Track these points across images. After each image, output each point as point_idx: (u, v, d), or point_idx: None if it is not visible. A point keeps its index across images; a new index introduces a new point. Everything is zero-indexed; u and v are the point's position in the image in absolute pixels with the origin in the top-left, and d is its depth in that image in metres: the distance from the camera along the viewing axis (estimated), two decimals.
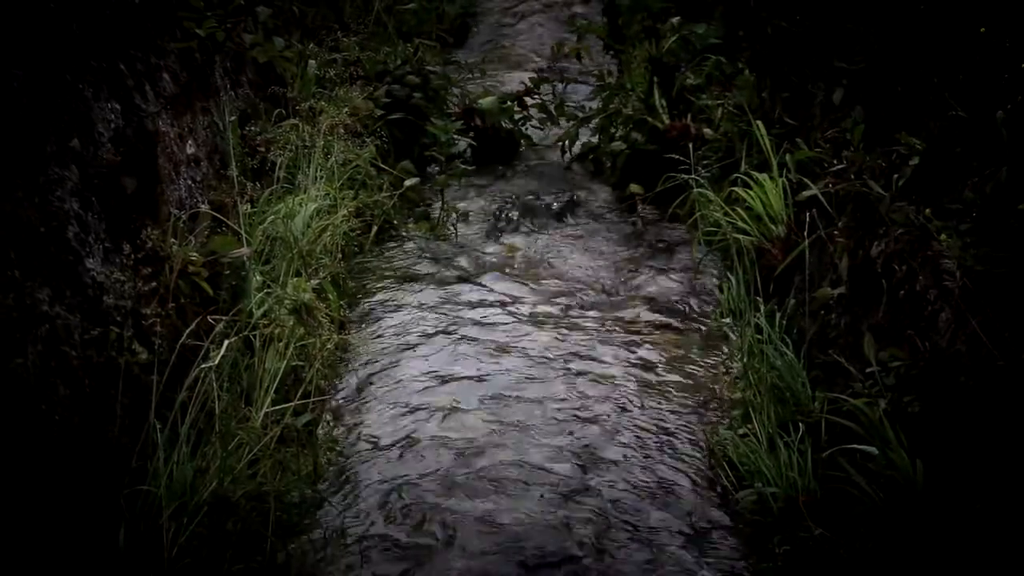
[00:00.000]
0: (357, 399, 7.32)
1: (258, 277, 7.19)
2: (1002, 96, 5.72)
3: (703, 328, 8.12)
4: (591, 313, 8.31)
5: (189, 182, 7.29)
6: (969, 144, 5.89)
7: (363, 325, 8.21)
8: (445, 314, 8.29)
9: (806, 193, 7.53)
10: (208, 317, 6.56)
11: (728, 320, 7.96)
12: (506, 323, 8.17)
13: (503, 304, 8.45)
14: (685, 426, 7.03)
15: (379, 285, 8.73)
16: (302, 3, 10.57)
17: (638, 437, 6.91)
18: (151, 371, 5.84)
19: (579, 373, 7.55)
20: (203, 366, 6.09)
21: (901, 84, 6.81)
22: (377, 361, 7.70)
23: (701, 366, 7.65)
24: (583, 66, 11.99)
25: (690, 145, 9.19)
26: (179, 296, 6.44)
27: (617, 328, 8.11)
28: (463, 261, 9.13)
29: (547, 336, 8.00)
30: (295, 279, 7.58)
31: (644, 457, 6.74)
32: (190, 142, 7.48)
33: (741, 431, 6.63)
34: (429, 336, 8.00)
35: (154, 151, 6.66)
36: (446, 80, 11.34)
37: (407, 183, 9.68)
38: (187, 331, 6.19)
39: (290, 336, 6.99)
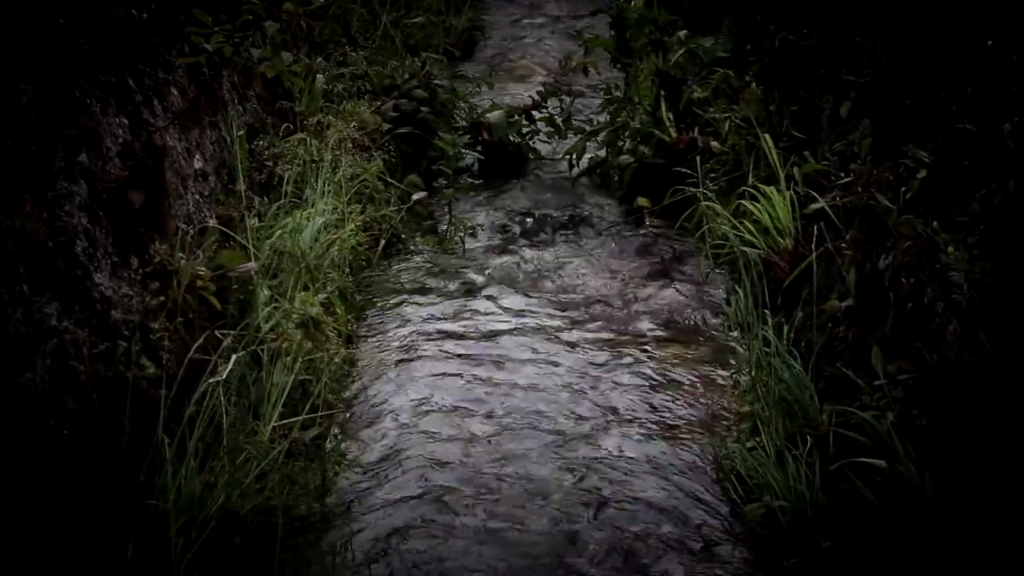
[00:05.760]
0: (365, 412, 7.32)
1: (266, 291, 7.19)
2: (1010, 109, 5.71)
3: (711, 341, 8.12)
4: (599, 326, 8.31)
5: (197, 196, 7.30)
6: (977, 157, 5.89)
7: (371, 338, 8.21)
8: (452, 327, 8.29)
9: (814, 206, 7.54)
10: (216, 331, 6.57)
11: (736, 333, 7.97)
12: (513, 336, 8.18)
13: (510, 317, 8.45)
14: (693, 439, 7.02)
15: (387, 299, 8.73)
16: (310, 17, 10.58)
17: (646, 450, 6.91)
18: (159, 385, 5.85)
19: (586, 385, 7.55)
20: (211, 380, 6.10)
21: (909, 97, 6.81)
22: (385, 374, 7.70)
23: (709, 379, 7.64)
24: (590, 80, 11.99)
25: (697, 158, 9.20)
26: (187, 310, 6.45)
27: (624, 341, 8.11)
28: (471, 274, 9.13)
29: (555, 349, 8.00)
30: (303, 293, 7.59)
31: (652, 470, 6.74)
32: (198, 156, 7.50)
33: (749, 444, 6.63)
34: (436, 349, 8.00)
35: (162, 166, 6.66)
36: (453, 94, 11.33)
37: (415, 197, 9.68)
38: (195, 345, 6.21)
39: (298, 350, 6.99)
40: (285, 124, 9.26)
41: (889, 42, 7.13)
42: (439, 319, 8.42)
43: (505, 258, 9.42)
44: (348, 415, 7.29)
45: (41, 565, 4.94)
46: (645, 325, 8.32)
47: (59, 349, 5.28)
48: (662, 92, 10.40)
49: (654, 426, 7.14)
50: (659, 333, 8.22)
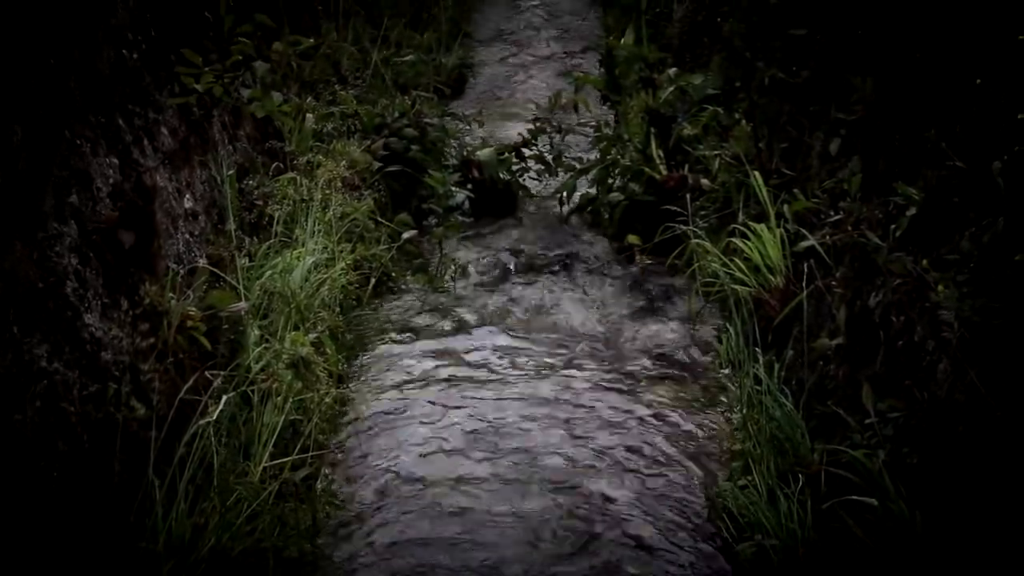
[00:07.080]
0: (356, 453, 7.29)
1: (256, 331, 7.19)
2: (999, 146, 5.73)
3: (702, 379, 8.11)
4: (590, 364, 8.30)
5: (187, 236, 7.30)
6: (966, 194, 5.90)
7: (362, 378, 8.19)
8: (443, 366, 8.28)
9: (804, 243, 7.54)
10: (206, 372, 6.56)
11: (727, 371, 7.96)
12: (505, 374, 8.16)
13: (501, 356, 8.44)
14: (684, 477, 7.00)
15: (377, 338, 8.72)
16: (300, 57, 10.61)
17: (637, 488, 6.89)
18: (149, 427, 5.84)
19: (578, 424, 7.53)
20: (201, 421, 6.09)
21: (898, 134, 6.83)
22: (376, 415, 7.68)
23: (700, 417, 7.63)
24: (581, 117, 12.00)
25: (688, 196, 9.22)
26: (177, 351, 6.44)
27: (616, 379, 8.09)
28: (461, 313, 9.13)
29: (546, 387, 7.98)
30: (293, 333, 7.57)
31: (644, 508, 6.71)
32: (188, 196, 7.50)
33: (741, 482, 6.62)
34: (427, 388, 7.98)
35: (152, 206, 6.67)
36: (444, 132, 11.36)
37: (405, 235, 9.68)
38: (185, 386, 6.20)
39: (288, 390, 6.98)
40: (275, 163, 9.27)
41: (879, 80, 7.15)
42: (430, 358, 8.40)
43: (496, 296, 9.42)
44: (339, 455, 7.27)
45: None
46: (636, 363, 8.30)
47: (49, 390, 5.27)
48: (652, 129, 10.41)
49: (645, 464, 7.11)
50: (650, 371, 8.21)
